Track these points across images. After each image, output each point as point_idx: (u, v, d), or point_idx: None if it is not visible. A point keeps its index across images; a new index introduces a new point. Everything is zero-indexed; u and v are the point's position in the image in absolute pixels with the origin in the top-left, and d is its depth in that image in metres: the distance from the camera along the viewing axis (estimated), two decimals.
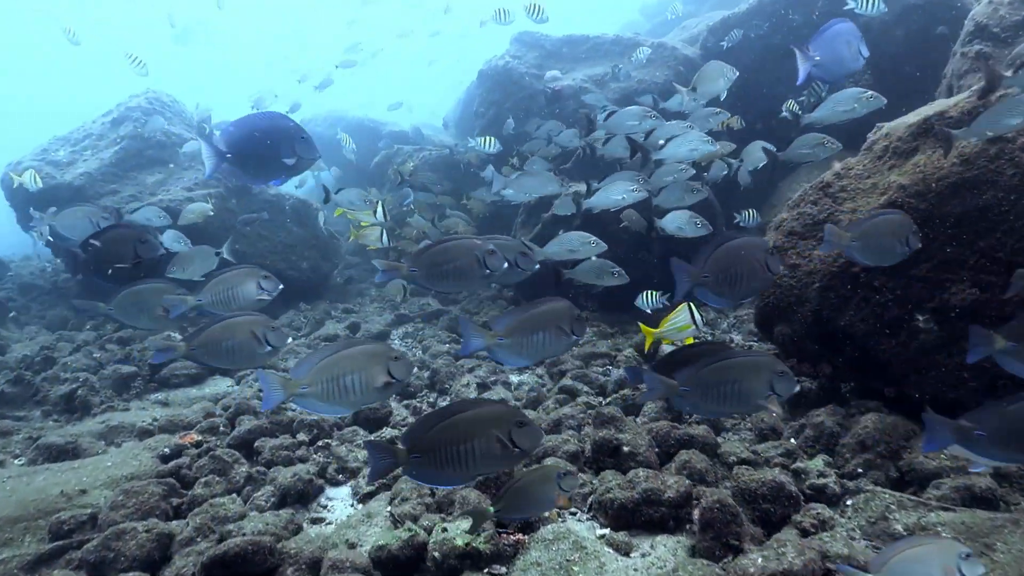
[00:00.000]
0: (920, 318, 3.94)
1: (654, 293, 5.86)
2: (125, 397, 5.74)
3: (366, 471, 4.18)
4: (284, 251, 8.90)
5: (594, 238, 5.10)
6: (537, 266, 3.50)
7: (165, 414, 5.16)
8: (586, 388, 5.25)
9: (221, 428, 4.78)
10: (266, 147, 3.36)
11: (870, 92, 4.22)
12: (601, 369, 5.72)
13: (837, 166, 4.59)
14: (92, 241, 3.97)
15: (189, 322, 7.32)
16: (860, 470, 3.66)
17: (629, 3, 21.57)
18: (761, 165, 5.46)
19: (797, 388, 2.92)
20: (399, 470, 2.65)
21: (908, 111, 6.85)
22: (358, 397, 2.81)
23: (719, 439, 4.19)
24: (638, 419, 4.65)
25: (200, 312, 3.92)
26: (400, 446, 2.60)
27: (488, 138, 7.31)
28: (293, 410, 5.08)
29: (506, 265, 3.41)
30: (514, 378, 6.01)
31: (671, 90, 8.81)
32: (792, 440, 4.05)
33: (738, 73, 5.29)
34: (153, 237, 3.73)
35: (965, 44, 5.66)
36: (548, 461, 3.80)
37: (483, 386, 5.67)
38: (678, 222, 5.55)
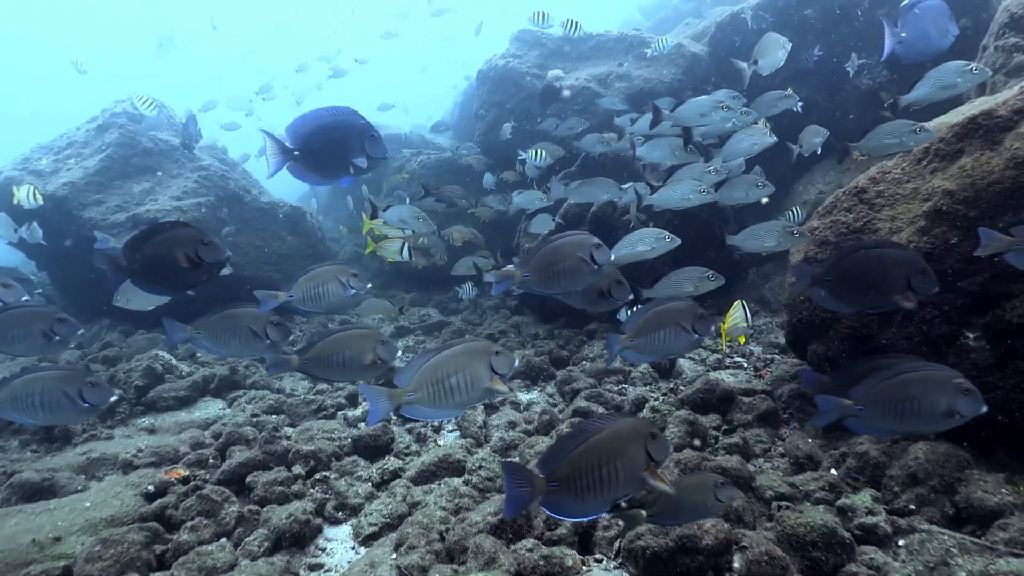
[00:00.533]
0: (970, 336, 3.62)
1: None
2: (109, 423, 5.39)
3: (368, 508, 3.84)
4: (278, 261, 8.55)
5: (668, 233, 4.71)
6: (612, 258, 3.28)
7: (151, 443, 4.81)
8: (602, 409, 4.91)
9: (211, 460, 4.43)
10: (335, 145, 3.24)
11: (973, 64, 3.86)
12: (616, 388, 5.39)
13: (872, 170, 4.26)
14: (135, 244, 3.23)
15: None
16: (912, 506, 3.33)
17: (627, 1, 21.22)
18: (819, 151, 5.08)
19: (984, 409, 2.66)
20: (537, 500, 2.40)
21: (931, 110, 6.52)
22: (465, 397, 2.76)
23: (750, 466, 3.87)
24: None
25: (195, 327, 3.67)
26: (538, 473, 2.38)
27: (538, 151, 6.95)
28: (288, 438, 4.74)
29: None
30: (523, 397, 5.67)
31: (680, 89, 8.49)
32: (833, 471, 3.71)
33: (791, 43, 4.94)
34: (218, 239, 3.29)
35: (999, 37, 5.34)
36: None
37: (491, 407, 5.33)
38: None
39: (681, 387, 5.28)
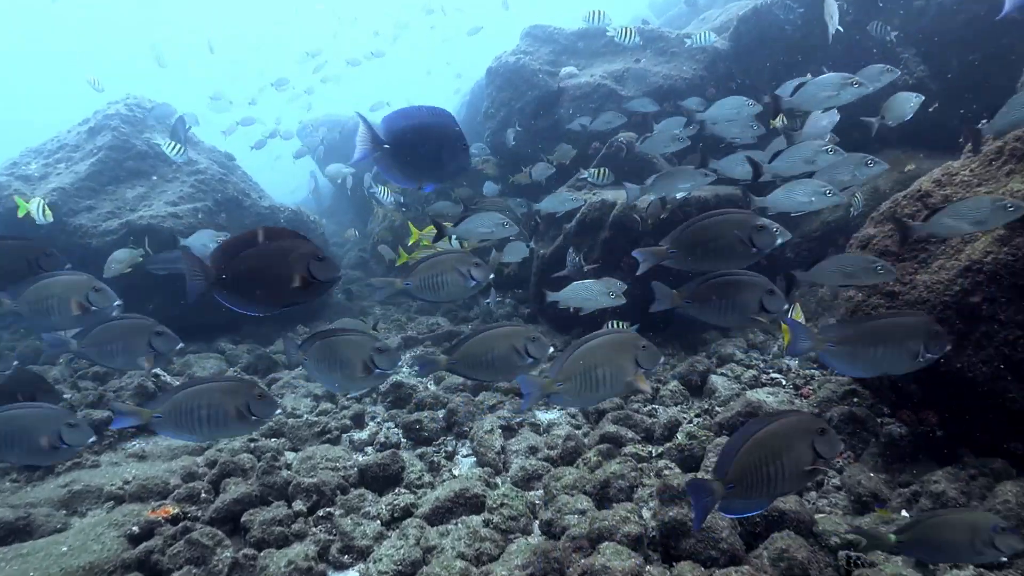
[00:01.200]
0: None
1: (621, 324, 5.27)
2: (96, 448, 4.98)
3: (378, 552, 3.42)
4: None
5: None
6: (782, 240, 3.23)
7: (140, 473, 4.40)
8: (631, 433, 4.49)
9: (203, 495, 4.02)
10: (427, 147, 3.15)
11: None
12: (646, 408, 4.96)
13: (936, 172, 3.83)
14: (232, 250, 2.82)
15: None
16: (1004, 558, 2.90)
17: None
18: (908, 118, 4.55)
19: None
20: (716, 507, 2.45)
21: (976, 105, 6.08)
22: (608, 390, 2.76)
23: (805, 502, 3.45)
24: (701, 475, 3.90)
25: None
26: (714, 480, 2.41)
27: (602, 170, 6.56)
28: (288, 468, 4.33)
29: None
30: (543, 417, 5.25)
31: (702, 86, 8.07)
32: (904, 512, 3.29)
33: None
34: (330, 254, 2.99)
35: None
36: (603, 546, 3.04)
37: (508, 428, 4.92)
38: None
39: (716, 408, 4.85)
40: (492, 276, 3.76)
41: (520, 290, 8.79)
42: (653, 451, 4.33)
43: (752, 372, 5.30)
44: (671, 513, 3.14)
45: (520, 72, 8.68)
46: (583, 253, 6.67)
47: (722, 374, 5.39)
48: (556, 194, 6.25)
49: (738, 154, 4.78)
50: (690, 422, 4.72)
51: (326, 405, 5.55)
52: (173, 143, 6.91)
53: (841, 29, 5.47)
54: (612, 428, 4.46)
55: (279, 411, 4.71)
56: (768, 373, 5.40)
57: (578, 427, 4.96)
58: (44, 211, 5.73)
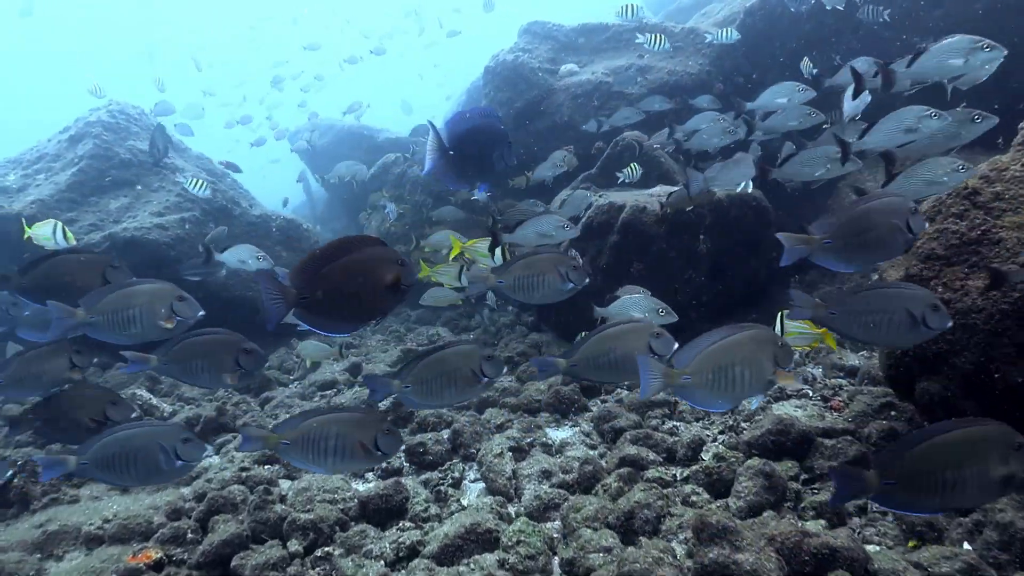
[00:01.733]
0: None
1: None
2: (76, 481, 4.64)
3: None
4: None
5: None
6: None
7: (121, 509, 4.06)
8: (652, 455, 4.16)
9: (189, 535, 3.68)
10: (481, 148, 3.19)
11: None
12: (667, 426, 4.63)
13: (983, 167, 3.51)
14: (315, 266, 2.66)
15: None
16: None
17: None
18: (983, 79, 4.04)
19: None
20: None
21: (996, 99, 5.76)
22: (744, 390, 2.64)
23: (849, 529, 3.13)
24: (731, 501, 3.58)
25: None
26: (871, 472, 2.39)
27: (633, 167, 6.23)
28: (283, 501, 3.99)
29: None
30: (553, 434, 4.92)
31: (708, 81, 7.75)
32: (966, 545, 2.97)
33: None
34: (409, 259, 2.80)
35: None
36: None
37: (518, 450, 4.58)
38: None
39: (742, 424, 4.53)
40: (587, 280, 3.51)
41: None
42: (678, 474, 4.00)
43: (778, 384, 4.97)
44: (711, 555, 2.81)
45: (519, 71, 8.36)
46: (589, 257, 6.35)
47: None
48: (576, 193, 5.95)
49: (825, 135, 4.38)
50: (714, 440, 4.40)
51: None
52: (193, 180, 6.52)
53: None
54: (632, 450, 4.14)
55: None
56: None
57: (593, 447, 4.64)
58: (65, 233, 4.94)
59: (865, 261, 2.86)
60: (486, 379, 3.02)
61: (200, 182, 6.71)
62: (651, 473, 3.94)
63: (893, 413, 4.13)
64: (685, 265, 6.12)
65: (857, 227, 2.78)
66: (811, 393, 4.89)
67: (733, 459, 3.84)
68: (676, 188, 5.61)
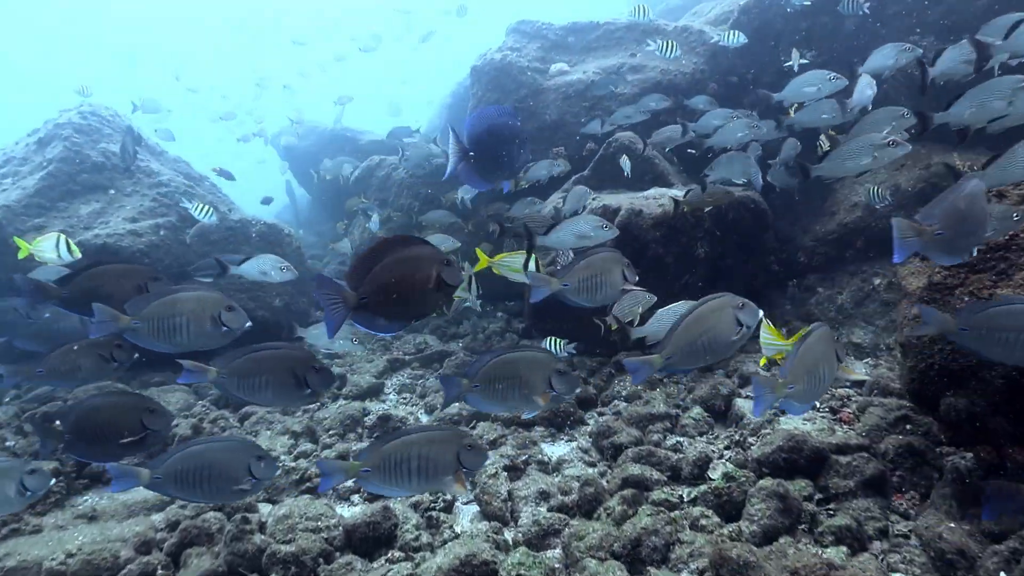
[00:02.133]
0: None
1: (559, 341, 4.91)
2: (40, 508, 4.32)
3: None
4: (251, 286, 7.48)
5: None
6: None
7: (87, 540, 3.75)
8: (657, 474, 3.92)
9: (159, 571, 3.39)
10: (500, 146, 3.15)
11: None
12: (670, 442, 4.39)
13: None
14: (365, 265, 2.63)
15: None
16: None
17: None
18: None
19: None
20: None
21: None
22: (825, 389, 2.73)
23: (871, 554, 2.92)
24: (744, 525, 3.35)
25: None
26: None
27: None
28: (262, 530, 3.70)
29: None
30: (549, 450, 4.68)
31: (703, 80, 7.55)
32: (1003, 575, 2.75)
33: None
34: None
35: None
36: None
37: (513, 468, 4.33)
38: None
39: (748, 439, 4.30)
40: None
41: (512, 302, 8.22)
42: (684, 495, 3.77)
43: None
44: None
45: (507, 70, 8.11)
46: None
47: (748, 397, 4.85)
48: (574, 191, 5.72)
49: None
50: (720, 457, 4.17)
51: (306, 445, 4.92)
52: (199, 205, 6.15)
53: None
54: (635, 469, 3.89)
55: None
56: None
57: (592, 464, 4.40)
58: (69, 247, 4.57)
59: (969, 250, 2.67)
60: (554, 393, 2.91)
61: (207, 208, 6.31)
62: (656, 494, 3.70)
63: (909, 427, 3.92)
64: (683, 270, 5.90)
65: (964, 215, 2.58)
66: (818, 404, 4.68)
67: (744, 479, 3.61)
68: (691, 186, 5.36)
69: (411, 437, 2.63)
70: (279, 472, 4.49)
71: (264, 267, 4.95)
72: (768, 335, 3.76)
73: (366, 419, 5.35)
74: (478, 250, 4.12)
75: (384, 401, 6.12)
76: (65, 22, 47.31)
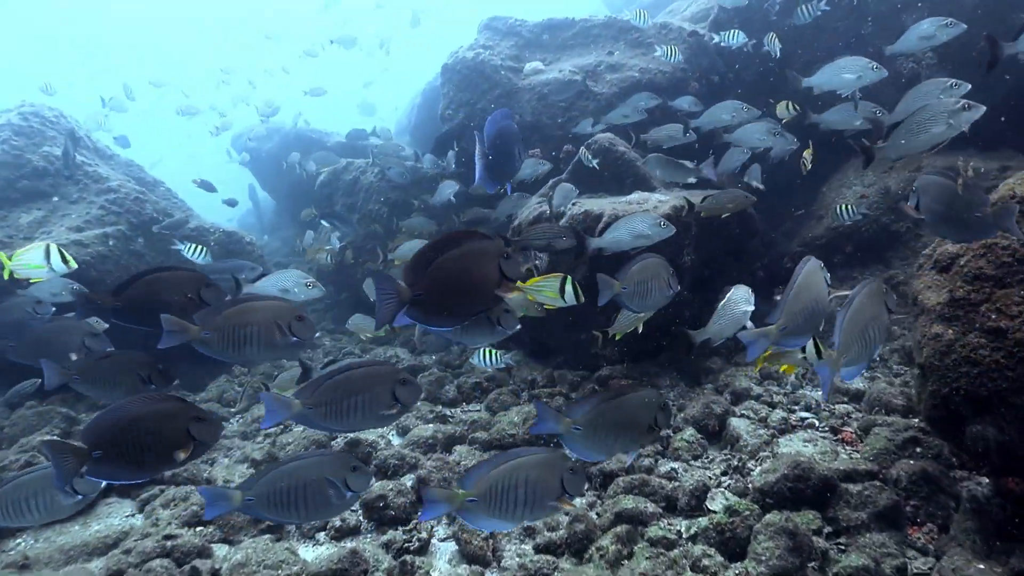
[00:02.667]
0: None
1: (494, 351, 4.77)
2: None
3: None
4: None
5: None
6: None
7: None
8: (652, 507, 3.60)
9: None
10: (510, 147, 3.21)
11: None
12: (664, 469, 4.07)
13: None
14: (427, 259, 2.54)
15: None
16: None
17: None
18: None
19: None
20: None
21: (985, 95, 5.39)
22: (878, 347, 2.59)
23: None
24: (750, 566, 3.04)
25: None
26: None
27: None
28: None
29: None
30: None
31: (684, 80, 7.28)
32: None
33: None
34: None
35: None
36: None
37: None
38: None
39: (748, 464, 4.01)
40: None
41: None
42: (683, 529, 3.45)
43: (780, 413, 4.47)
44: None
45: (480, 69, 7.75)
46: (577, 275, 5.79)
47: (743, 415, 4.57)
48: (560, 188, 5.44)
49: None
50: (719, 485, 3.87)
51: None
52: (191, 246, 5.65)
53: None
54: (629, 503, 3.57)
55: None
56: (794, 411, 4.60)
57: (581, 494, 4.06)
58: (63, 256, 4.04)
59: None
60: (656, 431, 2.70)
61: (200, 248, 5.78)
62: (653, 531, 3.38)
63: (919, 450, 3.66)
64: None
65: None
66: (818, 423, 4.41)
67: (748, 512, 3.31)
68: (709, 192, 5.06)
69: (518, 462, 2.43)
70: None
71: (285, 283, 4.39)
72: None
73: (334, 444, 4.96)
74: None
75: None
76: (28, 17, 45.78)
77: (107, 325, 5.08)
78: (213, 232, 7.46)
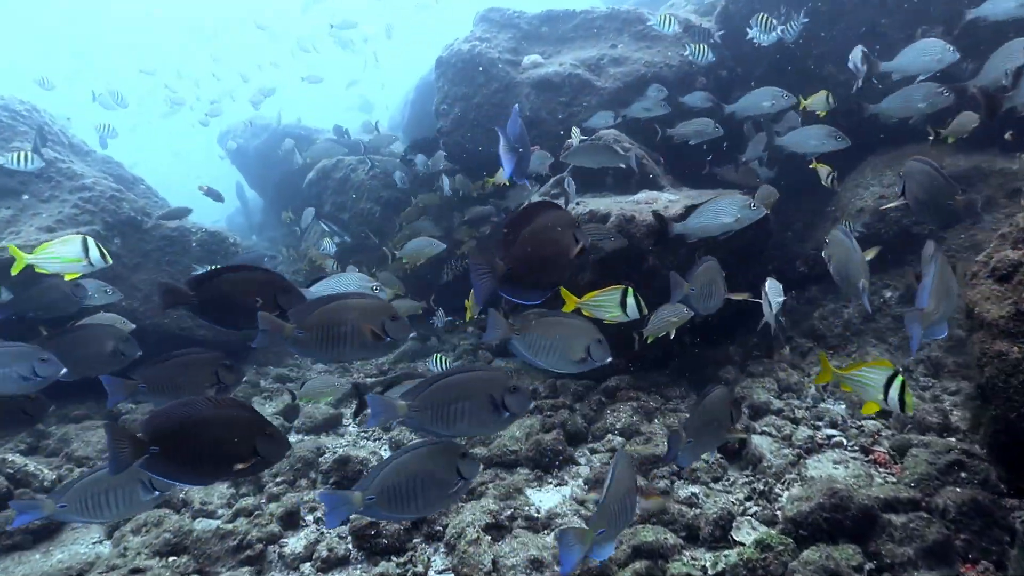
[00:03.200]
0: None
1: (446, 357, 4.66)
2: None
3: None
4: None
5: None
6: None
7: None
8: (672, 538, 3.26)
9: None
10: (527, 142, 3.22)
11: None
12: (683, 493, 3.73)
13: None
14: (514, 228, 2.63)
15: None
16: None
17: None
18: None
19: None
20: None
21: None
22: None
23: None
24: None
25: None
26: None
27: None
28: None
29: None
30: (539, 500, 3.99)
31: (691, 74, 6.95)
32: None
33: None
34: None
35: None
36: None
37: (496, 527, 3.63)
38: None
39: (775, 488, 3.67)
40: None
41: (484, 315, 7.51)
42: (708, 565, 3.11)
43: (805, 430, 4.15)
44: None
45: (476, 62, 7.38)
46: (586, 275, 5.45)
47: (764, 432, 4.24)
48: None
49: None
50: (744, 512, 3.53)
51: (246, 501, 4.12)
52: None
53: None
54: (649, 535, 3.22)
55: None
56: (819, 428, 4.27)
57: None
58: (100, 251, 3.77)
59: None
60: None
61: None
62: (676, 567, 3.04)
63: (964, 475, 3.33)
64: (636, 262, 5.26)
65: None
66: (846, 441, 4.08)
67: (781, 547, 2.98)
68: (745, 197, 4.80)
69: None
70: (211, 536, 3.71)
71: (348, 289, 3.92)
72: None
73: (321, 460, 4.59)
74: (563, 291, 3.49)
75: (343, 436, 5.36)
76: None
77: (133, 326, 4.76)
78: (195, 232, 7.07)
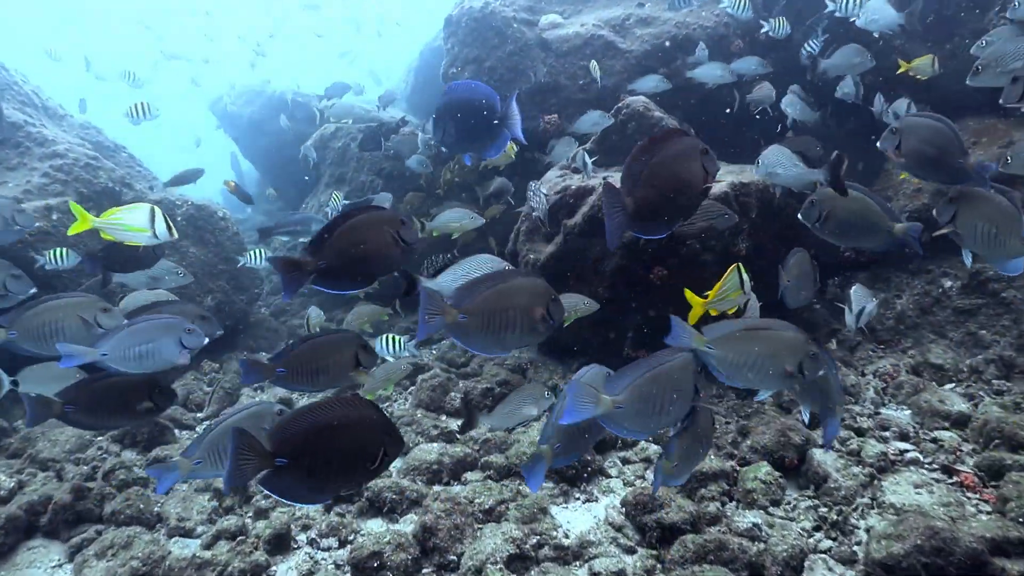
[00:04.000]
0: None
1: (398, 338, 4.54)
2: None
3: None
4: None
5: None
6: None
7: None
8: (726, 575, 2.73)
9: None
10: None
11: None
12: (743, 523, 3.18)
13: None
14: None
15: None
16: None
17: None
18: None
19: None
20: None
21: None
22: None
23: None
24: None
25: None
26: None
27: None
28: None
29: None
30: (567, 521, 3.46)
31: (726, 36, 6.29)
32: None
33: None
34: None
35: None
36: None
37: (520, 558, 3.10)
38: None
39: (851, 517, 3.13)
40: None
41: None
42: None
43: (875, 444, 3.59)
44: None
45: (489, 21, 6.72)
46: (594, 261, 4.87)
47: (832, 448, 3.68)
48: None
49: None
50: (816, 549, 2.99)
51: (229, 521, 3.57)
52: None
53: None
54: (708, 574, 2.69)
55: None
56: (887, 440, 3.72)
57: (630, 550, 3.18)
58: (167, 223, 3.42)
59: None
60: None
61: (255, 253, 5.49)
62: None
63: None
64: (722, 271, 4.68)
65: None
66: (921, 457, 3.53)
67: None
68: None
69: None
70: (186, 566, 3.17)
71: (476, 274, 3.37)
72: None
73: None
74: (687, 292, 3.23)
75: None
76: None
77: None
78: (181, 205, 6.47)
